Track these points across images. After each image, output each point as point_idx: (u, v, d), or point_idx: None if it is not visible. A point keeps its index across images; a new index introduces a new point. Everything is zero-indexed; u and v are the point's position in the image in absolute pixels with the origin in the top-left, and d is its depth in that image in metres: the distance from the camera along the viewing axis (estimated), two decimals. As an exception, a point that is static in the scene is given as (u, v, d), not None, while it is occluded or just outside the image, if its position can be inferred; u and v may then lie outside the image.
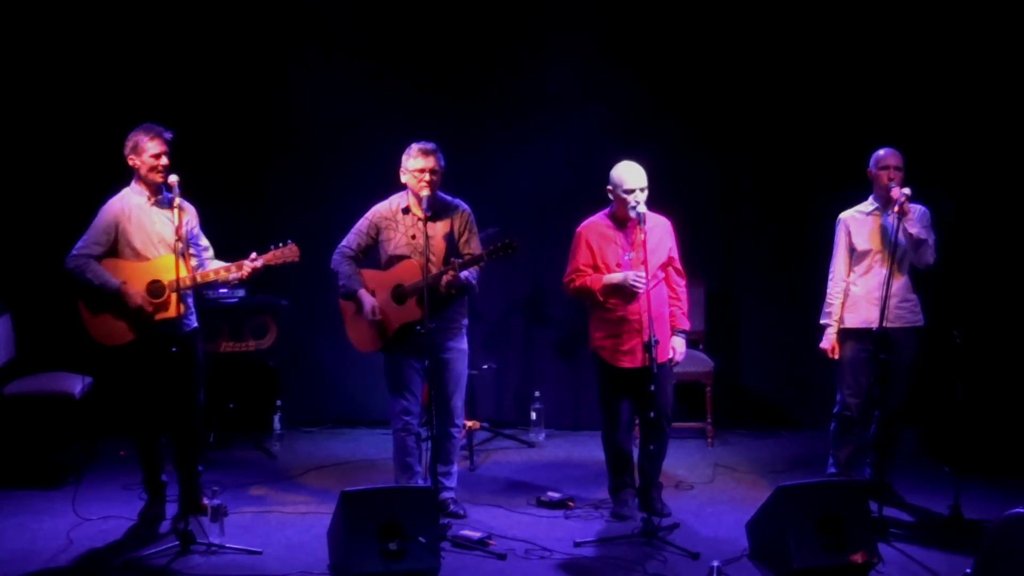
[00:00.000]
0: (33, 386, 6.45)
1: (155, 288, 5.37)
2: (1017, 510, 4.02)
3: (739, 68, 7.33)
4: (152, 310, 5.36)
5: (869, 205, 5.87)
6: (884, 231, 5.76)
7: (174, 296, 5.31)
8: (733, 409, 7.43)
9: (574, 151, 7.23)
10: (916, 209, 5.69)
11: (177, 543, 5.09)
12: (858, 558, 4.77)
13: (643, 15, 7.31)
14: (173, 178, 5.28)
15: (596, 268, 5.58)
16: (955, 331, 5.50)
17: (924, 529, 5.45)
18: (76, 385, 6.40)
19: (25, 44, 7.09)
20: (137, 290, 5.36)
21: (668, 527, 5.43)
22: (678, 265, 5.70)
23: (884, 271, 5.65)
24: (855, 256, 5.85)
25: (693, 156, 7.31)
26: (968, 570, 4.26)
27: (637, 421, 5.80)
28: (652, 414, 5.33)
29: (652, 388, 5.25)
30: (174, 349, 5.16)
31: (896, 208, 5.54)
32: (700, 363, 7.03)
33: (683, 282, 5.73)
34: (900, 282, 5.73)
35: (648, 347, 5.27)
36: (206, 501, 5.53)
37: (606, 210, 5.64)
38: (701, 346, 7.25)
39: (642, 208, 5.43)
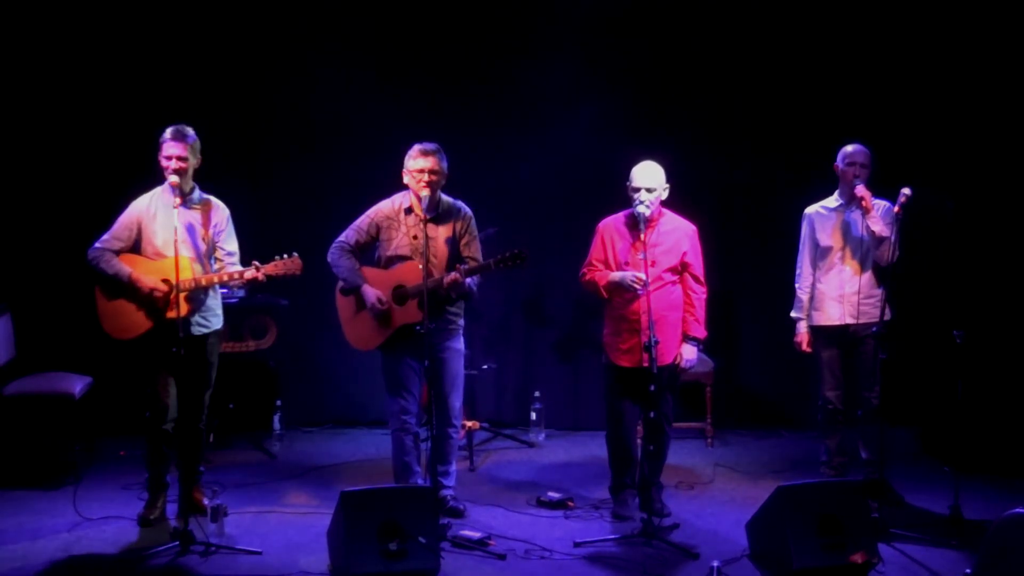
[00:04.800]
0: (33, 386, 6.44)
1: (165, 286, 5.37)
2: (1017, 510, 4.02)
3: (740, 68, 7.34)
4: (163, 296, 5.35)
5: (834, 201, 5.96)
6: (848, 227, 5.86)
7: (181, 296, 5.30)
8: (733, 409, 7.44)
9: (574, 151, 7.23)
10: (880, 206, 5.77)
11: (177, 543, 5.08)
12: (858, 558, 4.77)
13: (644, 15, 7.31)
14: (174, 179, 5.31)
15: (608, 264, 5.61)
16: (955, 331, 5.51)
17: (924, 529, 5.44)
18: (76, 385, 6.40)
19: (23, 48, 7.08)
20: (149, 277, 5.38)
21: (668, 527, 5.43)
22: (695, 272, 5.64)
23: (847, 268, 5.82)
24: (819, 252, 5.95)
25: (693, 156, 7.29)
26: (968, 570, 4.27)
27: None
28: (652, 414, 5.34)
29: (652, 388, 5.25)
30: (174, 349, 5.16)
31: (862, 204, 5.68)
32: (700, 363, 6.99)
33: (701, 290, 5.68)
34: (864, 278, 5.83)
35: (647, 348, 5.28)
36: (206, 501, 5.55)
37: (630, 208, 5.64)
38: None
39: (644, 208, 5.44)
